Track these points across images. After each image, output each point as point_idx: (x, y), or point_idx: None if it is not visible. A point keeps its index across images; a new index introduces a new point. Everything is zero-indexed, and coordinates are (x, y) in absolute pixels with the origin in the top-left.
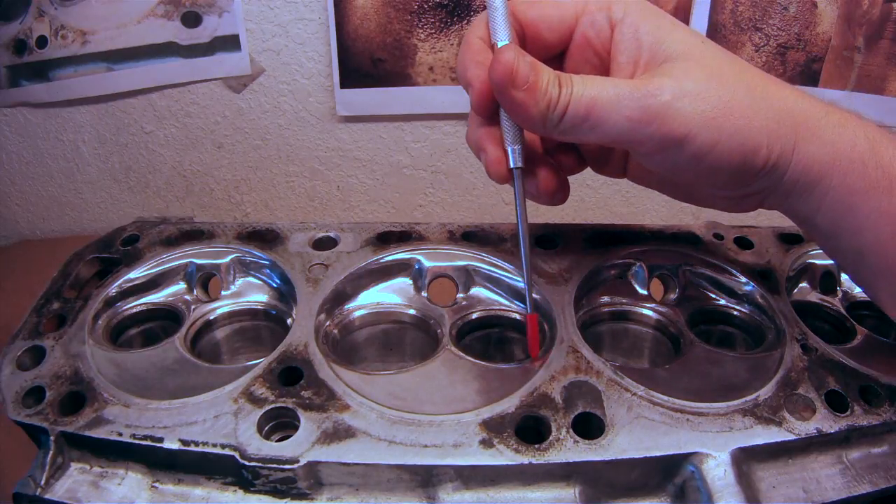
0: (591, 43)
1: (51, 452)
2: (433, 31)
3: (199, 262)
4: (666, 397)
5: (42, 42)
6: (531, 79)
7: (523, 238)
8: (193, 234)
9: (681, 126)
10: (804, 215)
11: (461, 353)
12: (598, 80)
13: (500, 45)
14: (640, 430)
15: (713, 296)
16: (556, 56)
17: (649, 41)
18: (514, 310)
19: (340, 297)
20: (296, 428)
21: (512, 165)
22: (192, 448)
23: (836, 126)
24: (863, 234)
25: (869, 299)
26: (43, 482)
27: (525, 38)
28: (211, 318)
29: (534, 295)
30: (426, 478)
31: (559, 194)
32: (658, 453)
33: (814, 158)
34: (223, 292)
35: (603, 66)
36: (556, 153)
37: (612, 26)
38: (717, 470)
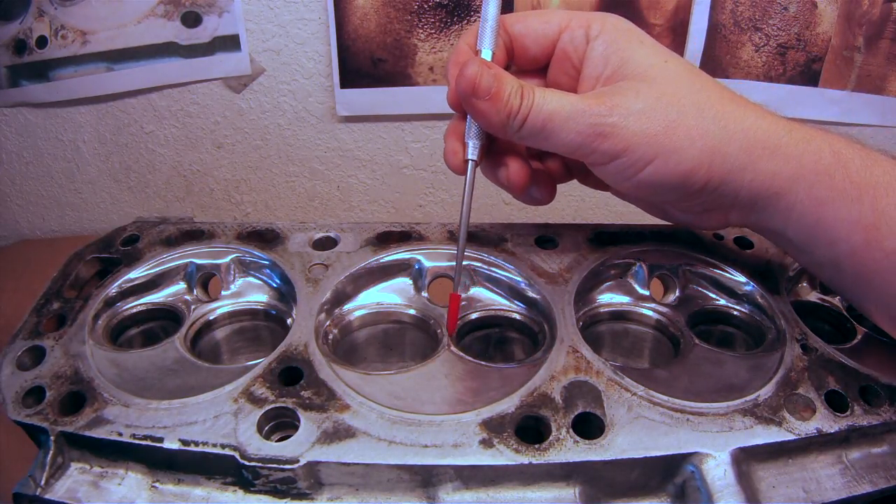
0: (569, 56)
1: (51, 452)
2: (433, 31)
3: (199, 262)
4: (666, 397)
5: (42, 42)
6: (493, 89)
7: (463, 225)
8: (193, 234)
9: (621, 142)
10: (775, 230)
11: (461, 353)
12: (557, 96)
13: (482, 52)
14: (640, 430)
15: (713, 296)
16: (543, 67)
17: (615, 60)
18: (514, 310)
19: (340, 297)
20: (296, 428)
21: (467, 157)
22: (192, 448)
23: (799, 142)
24: (837, 245)
25: None
26: (43, 482)
27: (513, 49)
28: (211, 318)
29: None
30: (426, 478)
31: (536, 192)
32: (658, 453)
33: (774, 174)
34: (223, 292)
35: (578, 78)
36: (544, 159)
37: (587, 42)
38: (717, 470)
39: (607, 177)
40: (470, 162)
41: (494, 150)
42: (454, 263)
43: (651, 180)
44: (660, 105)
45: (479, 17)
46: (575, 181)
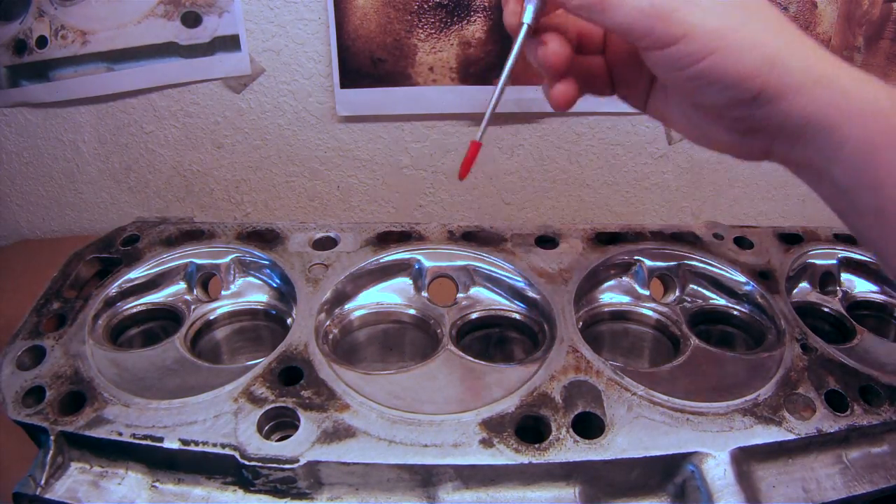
0: None
1: (51, 452)
2: (433, 31)
3: (199, 262)
4: (666, 397)
5: (42, 42)
6: None
7: (504, 80)
8: (193, 234)
9: (680, 27)
10: (818, 167)
11: (461, 353)
12: None
13: None
14: (640, 430)
15: (713, 296)
16: None
17: None
18: (514, 310)
19: (340, 297)
20: (296, 428)
21: (522, 20)
22: (192, 448)
23: (859, 80)
24: (883, 190)
25: (868, 299)
26: (43, 482)
27: None
28: (211, 318)
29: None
30: (426, 477)
31: (562, 86)
32: (658, 453)
33: (829, 104)
34: (223, 292)
35: None
36: (589, 56)
37: None
38: (717, 469)
39: (658, 66)
40: (524, 25)
41: (540, 29)
42: (454, 264)
43: (705, 74)
44: (725, 5)
45: (478, 17)
46: (577, 181)
